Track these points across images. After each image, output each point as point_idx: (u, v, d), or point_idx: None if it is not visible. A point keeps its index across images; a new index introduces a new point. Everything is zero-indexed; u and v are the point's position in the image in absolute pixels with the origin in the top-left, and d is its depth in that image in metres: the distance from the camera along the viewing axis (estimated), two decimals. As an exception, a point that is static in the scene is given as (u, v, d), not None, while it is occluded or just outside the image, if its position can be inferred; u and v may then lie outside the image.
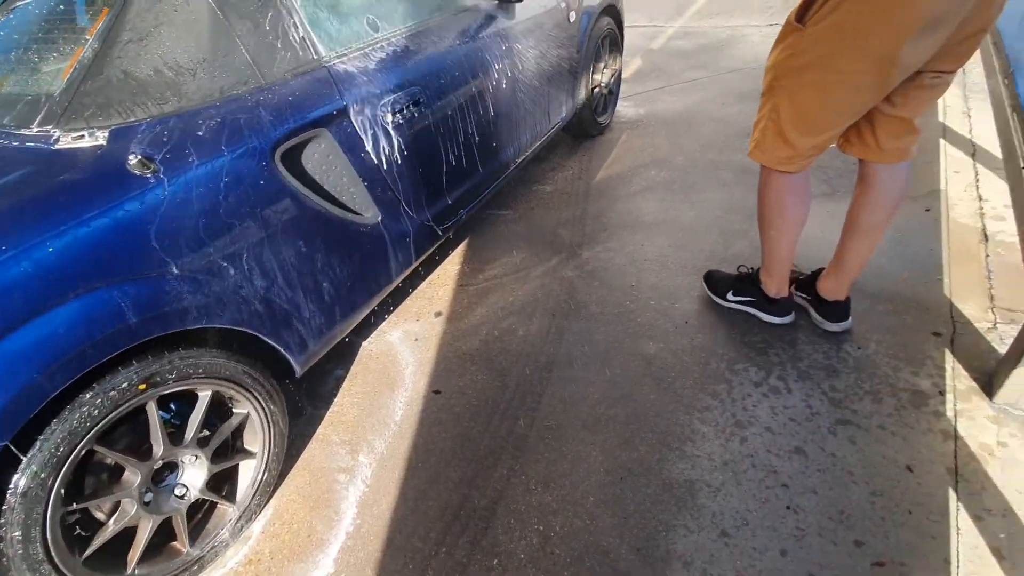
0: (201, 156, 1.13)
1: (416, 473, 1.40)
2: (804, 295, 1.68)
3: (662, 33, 4.42)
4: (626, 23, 4.74)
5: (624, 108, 3.27)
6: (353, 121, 1.44)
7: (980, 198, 2.04)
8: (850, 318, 1.59)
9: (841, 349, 1.54)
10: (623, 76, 3.66)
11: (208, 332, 1.25)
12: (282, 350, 1.36)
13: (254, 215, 1.22)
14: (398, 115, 1.56)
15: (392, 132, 1.56)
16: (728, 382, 1.50)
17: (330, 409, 1.66)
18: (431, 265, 2.20)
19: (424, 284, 2.12)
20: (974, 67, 3.06)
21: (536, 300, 1.94)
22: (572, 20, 2.36)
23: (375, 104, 1.49)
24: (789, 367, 1.52)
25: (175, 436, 1.22)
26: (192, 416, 1.22)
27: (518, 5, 2.03)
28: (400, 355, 1.82)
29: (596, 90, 2.80)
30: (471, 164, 1.94)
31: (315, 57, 1.40)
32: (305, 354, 1.44)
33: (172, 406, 1.27)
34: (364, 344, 1.89)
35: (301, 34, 1.38)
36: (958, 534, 1.08)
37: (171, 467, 1.24)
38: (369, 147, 1.49)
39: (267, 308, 1.28)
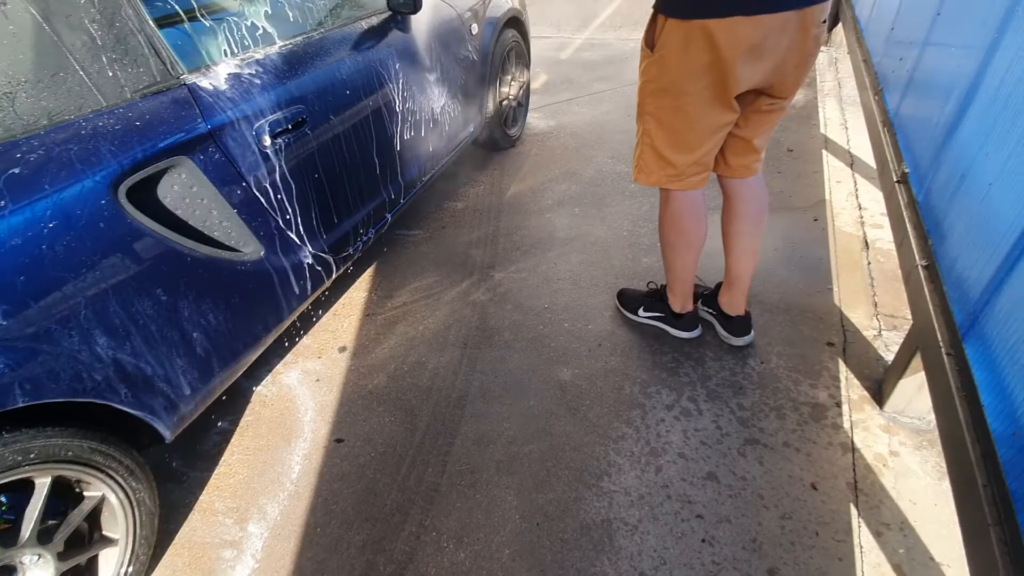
0: (17, 199, 0.93)
1: (315, 541, 1.26)
2: (710, 310, 1.71)
3: (569, 44, 4.46)
4: (534, 34, 4.74)
5: (535, 120, 3.25)
6: (222, 146, 1.27)
7: (860, 207, 2.19)
8: (752, 332, 1.64)
9: (746, 364, 1.57)
10: (533, 87, 3.65)
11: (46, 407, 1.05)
12: (144, 417, 1.17)
13: (93, 264, 1.03)
14: (280, 137, 1.40)
15: (273, 156, 1.40)
16: (642, 407, 1.48)
17: (215, 471, 1.47)
18: (336, 293, 2.04)
19: (327, 315, 1.96)
20: (847, 80, 3.33)
21: (447, 328, 1.84)
22: (475, 32, 2.29)
23: (250, 126, 1.33)
24: (699, 387, 1.52)
25: (8, 534, 1.00)
26: (28, 510, 1.01)
27: (413, 17, 1.92)
28: (298, 399, 1.65)
29: (505, 103, 2.75)
30: (371, 186, 1.80)
31: (172, 74, 1.22)
32: (175, 416, 1.25)
33: (2, 498, 1.05)
34: (257, 389, 1.70)
35: (154, 47, 1.20)
36: (861, 552, 1.10)
37: (7, 572, 1.02)
38: (245, 175, 1.33)
39: (119, 371, 1.09)
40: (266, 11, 1.50)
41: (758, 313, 1.73)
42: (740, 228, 1.50)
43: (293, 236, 1.51)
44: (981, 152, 1.18)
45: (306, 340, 1.86)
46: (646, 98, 1.29)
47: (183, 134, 1.18)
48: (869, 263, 1.90)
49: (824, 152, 2.59)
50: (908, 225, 1.42)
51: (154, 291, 1.14)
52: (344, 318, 1.95)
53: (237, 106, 1.31)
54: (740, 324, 1.62)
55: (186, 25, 1.31)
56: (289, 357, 1.80)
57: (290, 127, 1.43)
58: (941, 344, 1.11)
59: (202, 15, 1.37)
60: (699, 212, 1.44)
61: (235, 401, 1.64)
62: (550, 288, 1.96)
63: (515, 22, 2.70)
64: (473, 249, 2.21)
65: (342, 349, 1.82)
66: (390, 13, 1.84)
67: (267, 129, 1.37)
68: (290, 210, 1.48)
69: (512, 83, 2.78)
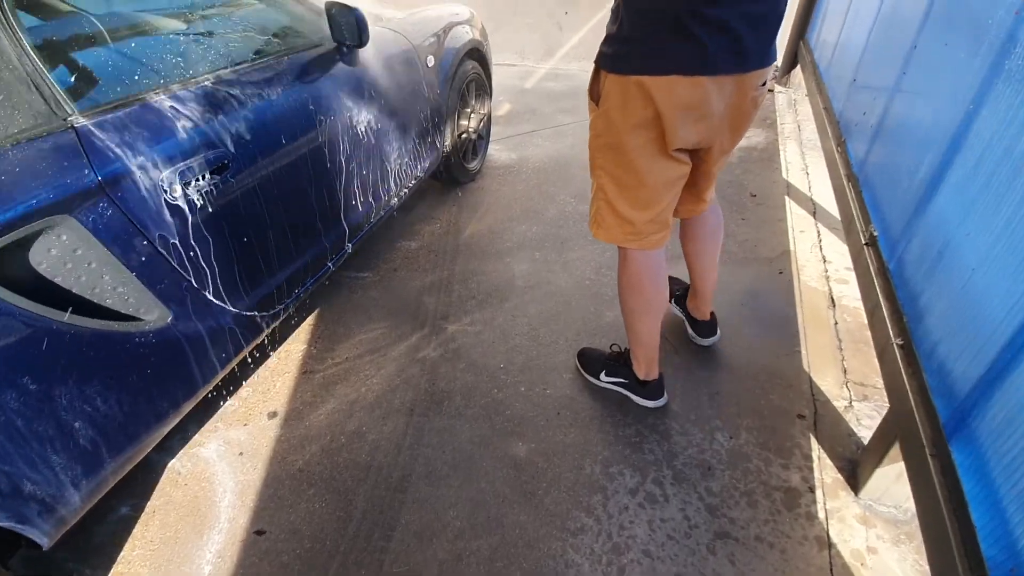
0: None
1: (217, 672, 1.06)
2: (681, 308, 1.81)
3: (533, 73, 4.40)
4: (497, 62, 4.66)
5: (497, 152, 3.13)
6: (117, 200, 1.08)
7: (824, 259, 2.15)
8: (718, 333, 1.76)
9: (714, 440, 1.46)
10: (495, 116, 3.55)
11: None
12: (10, 526, 0.96)
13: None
14: (193, 186, 1.22)
15: (185, 208, 1.21)
16: (603, 491, 1.35)
17: (111, 570, 1.25)
18: (272, 345, 1.83)
19: (260, 373, 1.76)
20: (807, 123, 3.36)
21: (393, 390, 1.67)
22: (431, 65, 2.16)
23: (156, 174, 1.15)
24: (665, 466, 1.40)
25: None
26: None
27: (362, 50, 1.77)
28: (217, 478, 1.45)
29: (464, 136, 2.62)
30: (309, 234, 1.63)
31: (58, 115, 1.03)
32: (52, 520, 1.04)
33: None
34: (171, 464, 1.49)
35: (33, 82, 1.00)
36: None
37: None
38: (148, 231, 1.14)
39: (-36, 483, 0.88)
40: (185, 39, 1.33)
41: (726, 379, 1.63)
42: (699, 248, 1.58)
43: (210, 296, 1.32)
44: (960, 230, 1.11)
45: (232, 402, 1.66)
46: (596, 153, 1.25)
47: (63, 189, 0.99)
48: (836, 323, 1.84)
49: (787, 198, 2.56)
50: (880, 295, 1.35)
51: (20, 380, 0.94)
52: (278, 376, 1.75)
53: (140, 152, 1.12)
54: (706, 327, 1.74)
55: (81, 55, 1.12)
56: (210, 424, 1.59)
57: (207, 174, 1.25)
58: (924, 442, 1.02)
59: (103, 43, 1.18)
60: (659, 274, 1.37)
61: (141, 480, 1.42)
62: (507, 344, 1.81)
63: (475, 53, 2.59)
64: (426, 296, 2.05)
65: (272, 415, 1.62)
66: (335, 45, 1.69)
67: (178, 177, 1.19)
68: (206, 268, 1.30)
69: (472, 115, 2.65)
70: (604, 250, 2.24)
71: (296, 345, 1.86)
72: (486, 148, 2.94)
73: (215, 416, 1.61)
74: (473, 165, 2.78)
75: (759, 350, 1.74)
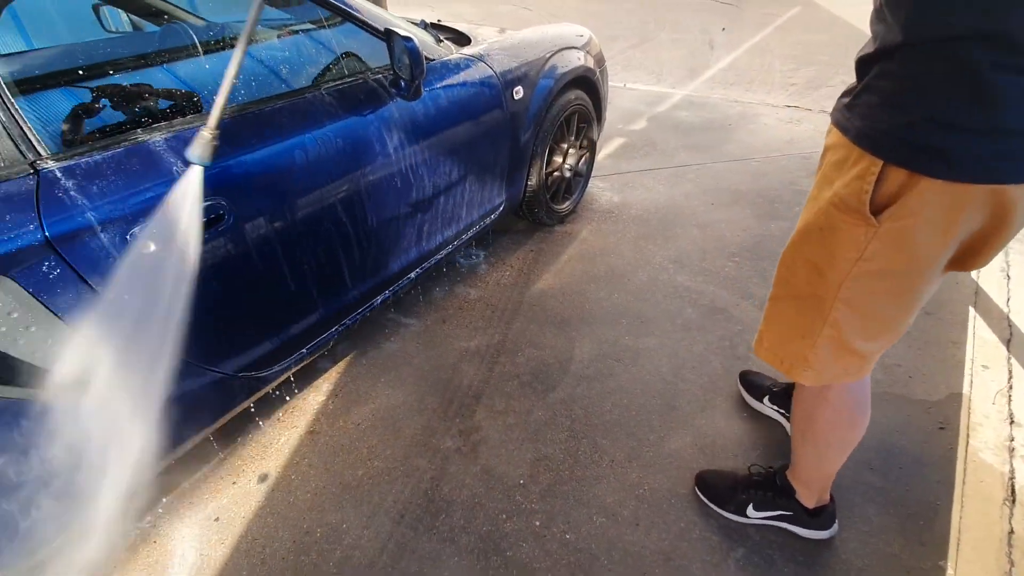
0: None
1: None
2: (779, 408, 1.50)
3: (665, 99, 3.91)
4: (627, 81, 4.27)
5: (598, 190, 2.76)
6: (69, 259, 0.94)
7: (1012, 419, 1.51)
8: None
9: None
10: (607, 149, 3.18)
11: None
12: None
13: None
14: (175, 242, 1.06)
15: (163, 265, 1.06)
16: None
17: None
18: (301, 382, 1.70)
19: (273, 421, 1.62)
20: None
21: (391, 482, 1.42)
22: (517, 96, 1.87)
23: (125, 228, 1.00)
24: None
25: None
26: None
27: (424, 81, 1.53)
28: (180, 546, 1.31)
29: (556, 174, 2.30)
30: (329, 288, 1.43)
31: (25, 158, 0.91)
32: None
33: None
34: (147, 518, 1.38)
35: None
36: None
37: None
38: (109, 295, 0.99)
39: None
40: (197, 70, 1.18)
41: (821, 586, 1.15)
42: None
43: (186, 359, 1.16)
44: None
45: (231, 451, 1.53)
46: (849, 282, 0.85)
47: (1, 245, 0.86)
48: (1011, 531, 1.24)
49: (972, 311, 1.88)
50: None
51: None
52: (285, 430, 1.59)
53: (108, 201, 0.97)
54: None
55: (66, 92, 1.01)
56: (201, 475, 1.47)
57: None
58: None
59: (100, 75, 1.06)
60: (866, 399, 1.07)
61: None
62: (536, 452, 1.48)
63: (583, 81, 2.25)
64: (465, 363, 1.78)
65: (263, 478, 1.46)
66: (393, 76, 1.46)
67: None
68: (187, 330, 1.14)
69: (569, 152, 2.32)
70: (692, 344, 1.80)
71: (315, 396, 1.70)
72: (584, 187, 2.59)
73: (214, 464, 1.49)
74: (564, 207, 2.45)
75: (877, 553, 1.21)
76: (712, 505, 1.30)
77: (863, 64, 0.78)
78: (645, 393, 1.64)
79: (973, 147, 0.68)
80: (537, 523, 1.31)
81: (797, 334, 0.95)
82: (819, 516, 1.21)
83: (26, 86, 1.01)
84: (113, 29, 1.84)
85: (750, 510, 1.25)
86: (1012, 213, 0.74)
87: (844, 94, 0.83)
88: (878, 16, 0.74)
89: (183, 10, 1.90)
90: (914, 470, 1.39)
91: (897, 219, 0.77)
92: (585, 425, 1.55)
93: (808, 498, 1.21)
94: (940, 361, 1.69)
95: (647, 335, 1.85)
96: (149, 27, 1.86)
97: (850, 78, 0.83)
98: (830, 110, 0.89)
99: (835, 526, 1.24)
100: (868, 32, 0.78)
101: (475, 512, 1.34)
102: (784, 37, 5.15)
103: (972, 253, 0.82)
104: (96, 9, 1.78)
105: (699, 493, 1.33)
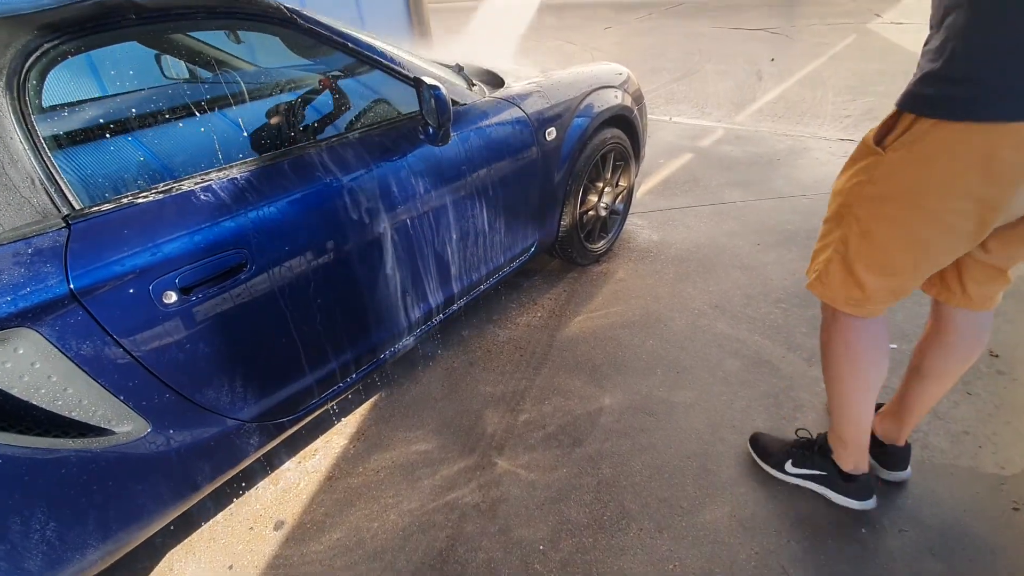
0: None
1: None
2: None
3: (709, 133, 3.81)
4: (671, 114, 4.19)
5: (636, 228, 2.69)
6: (93, 311, 0.95)
7: (1113, 505, 1.30)
8: (909, 468, 1.37)
9: None
10: (648, 184, 3.10)
11: None
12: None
13: None
14: (196, 291, 1.07)
15: (180, 316, 1.06)
16: None
17: None
18: (325, 424, 1.69)
19: (295, 463, 1.60)
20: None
21: (405, 538, 1.37)
22: (550, 138, 1.84)
23: (147, 280, 1.01)
24: None
25: None
26: None
27: (453, 126, 1.52)
28: (191, 595, 1.29)
29: (591, 213, 2.25)
30: (351, 334, 1.42)
31: (59, 211, 0.94)
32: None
33: None
34: (169, 554, 1.38)
35: (33, 172, 0.92)
36: None
37: None
38: (127, 343, 1.00)
39: None
40: (226, 123, 1.20)
41: None
42: (942, 366, 1.21)
43: (203, 407, 1.16)
44: None
45: (252, 495, 1.52)
46: (855, 200, 1.01)
47: (23, 300, 0.88)
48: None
49: (1054, 372, 1.68)
50: None
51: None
52: (305, 475, 1.57)
53: (130, 254, 0.99)
54: (898, 455, 1.36)
55: (97, 146, 1.04)
56: (220, 517, 1.46)
57: (215, 277, 1.09)
58: None
59: (128, 130, 1.09)
60: (880, 343, 1.13)
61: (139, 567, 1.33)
62: (559, 515, 1.39)
63: (620, 120, 2.20)
64: (490, 410, 1.72)
65: (279, 525, 1.44)
66: (422, 121, 1.46)
67: (176, 283, 1.04)
68: (200, 378, 1.14)
69: (604, 191, 2.27)
70: (733, 399, 1.68)
71: (338, 439, 1.68)
72: (621, 226, 2.52)
73: (230, 507, 1.48)
74: (599, 246, 2.39)
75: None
76: (756, 457, 1.45)
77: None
78: (679, 453, 1.53)
79: (951, 92, 0.84)
80: (556, 596, 1.22)
81: (823, 244, 1.10)
82: (854, 481, 1.29)
83: (65, 140, 1.05)
84: (174, 76, 1.94)
85: (788, 465, 1.37)
86: (1000, 161, 0.82)
87: None
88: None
89: (238, 58, 1.99)
90: (983, 559, 1.21)
91: (895, 149, 0.92)
92: (612, 486, 1.45)
93: (845, 460, 1.29)
94: (1015, 429, 1.50)
95: (684, 387, 1.74)
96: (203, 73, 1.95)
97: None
98: None
99: (872, 500, 1.30)
100: None
101: (489, 578, 1.27)
102: (838, 67, 4.96)
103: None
104: (158, 59, 1.89)
105: (750, 448, 1.47)
